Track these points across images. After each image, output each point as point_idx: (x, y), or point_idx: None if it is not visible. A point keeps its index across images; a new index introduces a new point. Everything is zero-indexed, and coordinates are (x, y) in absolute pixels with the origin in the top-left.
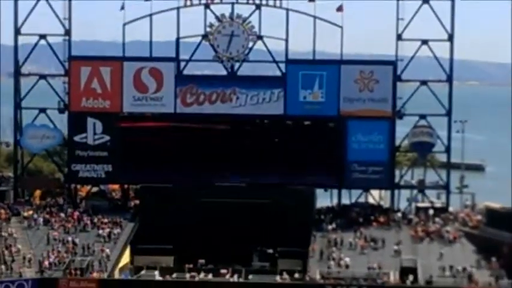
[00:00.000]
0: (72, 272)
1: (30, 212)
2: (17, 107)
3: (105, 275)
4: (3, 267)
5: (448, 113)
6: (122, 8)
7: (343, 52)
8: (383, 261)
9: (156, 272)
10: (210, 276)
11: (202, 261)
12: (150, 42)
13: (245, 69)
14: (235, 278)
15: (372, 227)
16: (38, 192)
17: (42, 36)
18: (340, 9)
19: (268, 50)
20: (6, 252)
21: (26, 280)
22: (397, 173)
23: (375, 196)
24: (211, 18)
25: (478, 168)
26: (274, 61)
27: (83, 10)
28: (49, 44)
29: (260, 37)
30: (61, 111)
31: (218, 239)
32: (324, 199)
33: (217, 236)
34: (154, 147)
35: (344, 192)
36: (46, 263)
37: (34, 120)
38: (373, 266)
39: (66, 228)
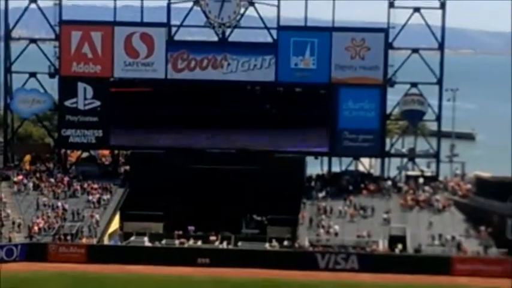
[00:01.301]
0: (61, 237)
1: (20, 177)
2: (7, 71)
3: (94, 241)
4: None
5: (439, 82)
6: None
7: (334, 19)
8: (372, 229)
9: (146, 238)
10: (199, 242)
11: (192, 227)
12: (142, 7)
13: (236, 36)
14: (224, 245)
15: (361, 195)
16: (27, 157)
17: (33, 0)
18: None
19: (260, 17)
20: None
21: (16, 245)
22: (387, 141)
23: (365, 164)
24: None
25: (469, 137)
26: (266, 27)
27: None
28: (40, 8)
29: (252, 3)
30: (51, 75)
31: (208, 205)
32: (314, 167)
33: (207, 203)
34: (145, 112)
35: (334, 160)
36: (36, 228)
37: (24, 84)
38: (363, 234)
39: (55, 193)
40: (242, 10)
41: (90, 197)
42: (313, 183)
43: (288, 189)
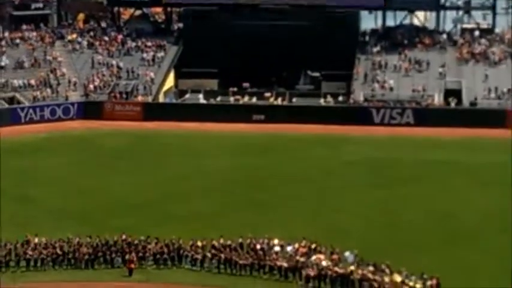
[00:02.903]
0: (116, 95)
1: (74, 36)
2: None
3: (149, 99)
4: (49, 90)
5: None
6: None
7: None
8: (427, 83)
9: (200, 96)
10: (254, 99)
11: (246, 84)
12: None
13: None
14: (279, 101)
15: (416, 49)
16: (81, 16)
17: None
18: None
19: None
20: (51, 75)
21: (72, 103)
22: None
23: (420, 17)
24: None
25: None
26: None
27: None
28: None
29: None
30: None
31: (262, 62)
32: (369, 21)
33: (261, 59)
34: None
35: (389, 14)
36: (91, 86)
37: None
38: (418, 89)
39: (110, 51)
40: None
41: (145, 55)
42: (367, 38)
43: (343, 44)
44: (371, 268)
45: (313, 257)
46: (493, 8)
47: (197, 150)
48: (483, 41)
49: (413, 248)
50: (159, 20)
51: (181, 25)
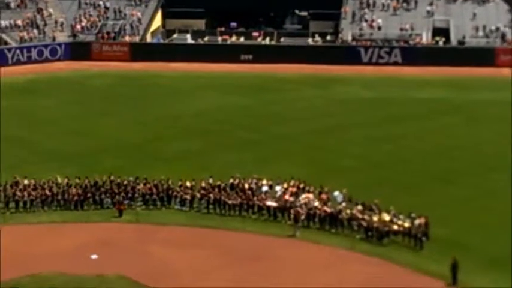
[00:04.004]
0: (104, 36)
1: None
2: None
3: (137, 39)
4: (35, 31)
5: None
6: None
7: None
8: (415, 22)
9: (188, 36)
10: (242, 39)
11: (234, 24)
12: None
13: None
14: (267, 41)
15: None
16: None
17: None
18: None
19: None
20: (38, 16)
21: (59, 44)
22: None
23: None
24: None
25: None
26: None
27: None
28: None
29: None
30: None
31: (250, 1)
32: None
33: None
34: None
35: None
36: (78, 27)
37: None
38: (406, 27)
39: None
40: None
41: None
42: None
43: None
44: (359, 207)
45: (302, 197)
46: None
47: (185, 90)
48: None
49: (403, 187)
50: None
51: None
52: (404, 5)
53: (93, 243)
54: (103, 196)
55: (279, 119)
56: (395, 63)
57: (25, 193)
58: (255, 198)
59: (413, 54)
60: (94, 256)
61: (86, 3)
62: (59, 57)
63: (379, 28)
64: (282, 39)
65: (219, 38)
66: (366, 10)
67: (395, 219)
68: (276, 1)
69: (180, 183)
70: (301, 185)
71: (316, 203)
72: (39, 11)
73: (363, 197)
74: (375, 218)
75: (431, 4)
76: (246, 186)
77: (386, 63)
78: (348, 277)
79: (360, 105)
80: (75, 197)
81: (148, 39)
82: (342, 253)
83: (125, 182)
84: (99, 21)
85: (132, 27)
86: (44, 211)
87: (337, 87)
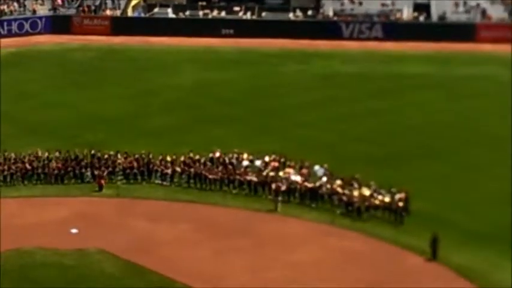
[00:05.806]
0: (85, 9)
1: None
2: None
3: (118, 13)
4: (16, 4)
5: None
6: None
7: None
8: None
9: (169, 10)
10: (223, 13)
11: None
12: None
13: None
14: (248, 16)
15: None
16: None
17: None
18: None
19: None
20: None
21: (40, 18)
22: None
23: None
24: None
25: None
26: None
27: None
28: None
29: None
30: None
31: None
32: None
33: None
34: None
35: None
36: (59, 0)
37: None
38: (387, 3)
39: None
40: None
41: None
42: None
43: None
44: (340, 182)
45: (283, 172)
46: None
47: (166, 64)
48: None
49: (383, 162)
50: None
51: None
52: None
53: (74, 218)
54: (83, 170)
55: (260, 93)
56: (377, 39)
57: (5, 167)
58: (236, 173)
59: (395, 30)
60: (74, 230)
61: None
62: (39, 30)
63: (360, 3)
64: (263, 14)
65: (200, 12)
66: None
67: (375, 194)
68: None
69: (160, 157)
70: (282, 160)
71: (297, 178)
72: None
73: (344, 171)
74: (356, 193)
75: None
76: (227, 160)
77: (368, 39)
78: (328, 252)
79: (341, 80)
80: (56, 171)
81: (130, 13)
82: (323, 228)
83: (106, 156)
84: None
85: (113, 1)
86: (25, 185)
87: (319, 62)
